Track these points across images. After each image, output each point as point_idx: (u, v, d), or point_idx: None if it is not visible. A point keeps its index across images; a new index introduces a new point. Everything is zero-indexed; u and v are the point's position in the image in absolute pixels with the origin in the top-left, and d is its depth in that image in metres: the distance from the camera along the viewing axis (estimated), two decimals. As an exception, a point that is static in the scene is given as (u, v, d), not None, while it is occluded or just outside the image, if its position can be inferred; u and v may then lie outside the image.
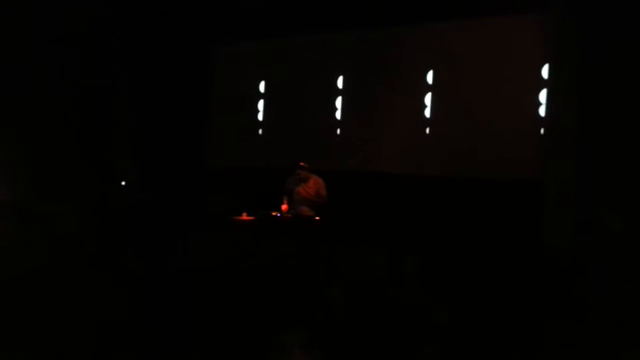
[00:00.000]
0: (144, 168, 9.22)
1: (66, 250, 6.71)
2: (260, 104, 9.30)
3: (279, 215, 6.76)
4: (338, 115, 8.53)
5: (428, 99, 7.74)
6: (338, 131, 8.53)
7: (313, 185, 6.93)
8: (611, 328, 4.40)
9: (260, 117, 9.31)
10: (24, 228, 6.85)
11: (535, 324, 4.69)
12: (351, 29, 8.28)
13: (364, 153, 8.16)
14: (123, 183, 8.77)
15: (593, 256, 5.77)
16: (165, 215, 7.68)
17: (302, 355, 3.94)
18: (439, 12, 7.49)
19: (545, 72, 6.84)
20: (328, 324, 4.49)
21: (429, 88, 7.74)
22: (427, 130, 7.73)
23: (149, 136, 9.35)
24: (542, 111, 6.87)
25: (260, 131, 9.31)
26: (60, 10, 8.52)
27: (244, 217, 6.95)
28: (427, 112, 7.73)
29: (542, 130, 6.89)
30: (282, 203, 6.94)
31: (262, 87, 9.30)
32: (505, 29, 7.16)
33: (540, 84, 6.88)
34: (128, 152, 9.33)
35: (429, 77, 7.75)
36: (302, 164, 6.98)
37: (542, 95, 6.86)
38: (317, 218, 6.65)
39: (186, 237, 7.11)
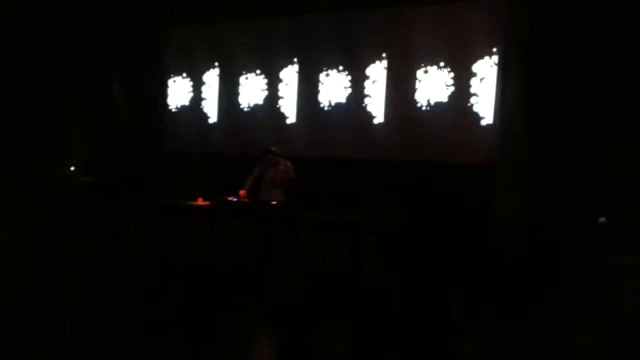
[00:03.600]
0: (98, 151, 8.96)
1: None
2: (215, 90, 9.16)
3: (235, 200, 6.72)
4: (292, 102, 8.48)
5: (381, 84, 7.77)
6: (291, 118, 8.48)
7: (283, 169, 6.98)
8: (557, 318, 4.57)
9: (215, 103, 9.17)
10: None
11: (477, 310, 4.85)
12: (305, 14, 8.25)
13: (317, 139, 8.17)
14: (72, 168, 8.52)
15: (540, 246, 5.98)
16: (118, 198, 7.53)
17: (260, 337, 3.95)
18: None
19: (495, 59, 6.99)
20: (285, 307, 4.51)
21: (380, 74, 7.78)
22: (382, 115, 7.77)
23: (103, 119, 9.09)
24: (491, 98, 7.01)
25: (215, 117, 9.17)
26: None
27: (200, 202, 6.86)
28: (380, 98, 7.77)
29: (491, 117, 7.03)
30: (242, 187, 6.89)
31: (215, 72, 9.16)
32: (456, 15, 7.24)
33: (489, 71, 7.03)
34: (79, 135, 9.05)
35: (381, 64, 7.78)
36: (273, 148, 7.01)
37: (492, 82, 7.00)
38: (274, 202, 6.64)
39: (140, 222, 6.99)
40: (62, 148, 8.96)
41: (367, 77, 7.88)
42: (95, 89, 9.21)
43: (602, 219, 5.18)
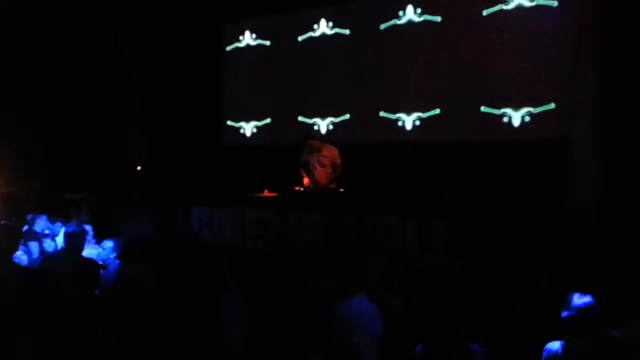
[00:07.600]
0: (159, 151, 9.12)
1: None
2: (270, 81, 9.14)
3: (302, 189, 6.67)
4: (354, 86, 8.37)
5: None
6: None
7: (327, 154, 6.70)
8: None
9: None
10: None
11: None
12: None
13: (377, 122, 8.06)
14: (139, 168, 8.69)
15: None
16: (185, 193, 7.61)
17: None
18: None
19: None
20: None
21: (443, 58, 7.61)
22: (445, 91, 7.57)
23: (164, 119, 9.24)
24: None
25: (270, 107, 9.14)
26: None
27: (266, 193, 6.86)
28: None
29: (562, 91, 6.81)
30: (302, 177, 6.82)
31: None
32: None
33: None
34: (143, 138, 9.24)
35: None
36: (312, 133, 6.80)
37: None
38: (342, 190, 6.56)
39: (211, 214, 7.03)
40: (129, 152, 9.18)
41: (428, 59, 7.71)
42: (152, 93, 9.36)
43: None
